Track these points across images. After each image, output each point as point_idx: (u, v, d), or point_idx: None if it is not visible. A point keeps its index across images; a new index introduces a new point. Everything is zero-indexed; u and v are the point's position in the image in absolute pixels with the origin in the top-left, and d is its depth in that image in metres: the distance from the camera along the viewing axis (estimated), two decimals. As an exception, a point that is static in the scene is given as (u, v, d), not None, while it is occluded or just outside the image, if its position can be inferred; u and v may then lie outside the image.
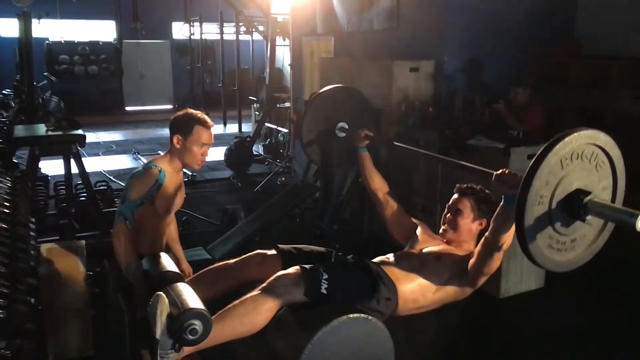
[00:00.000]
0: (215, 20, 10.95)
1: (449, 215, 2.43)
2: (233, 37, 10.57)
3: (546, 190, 1.66)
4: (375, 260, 2.34)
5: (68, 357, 2.60)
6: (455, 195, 2.44)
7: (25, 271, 2.28)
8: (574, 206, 1.69)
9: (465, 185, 2.45)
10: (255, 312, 1.87)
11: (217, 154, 7.24)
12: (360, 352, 1.94)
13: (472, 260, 2.16)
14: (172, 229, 2.78)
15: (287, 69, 7.76)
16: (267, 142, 8.11)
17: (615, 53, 4.37)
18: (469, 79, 4.62)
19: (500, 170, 1.97)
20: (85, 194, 4.64)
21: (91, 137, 9.13)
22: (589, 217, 1.70)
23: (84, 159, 4.40)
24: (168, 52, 13.94)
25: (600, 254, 1.83)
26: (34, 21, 6.61)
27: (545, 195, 1.66)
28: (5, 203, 2.79)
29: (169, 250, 2.73)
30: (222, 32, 10.87)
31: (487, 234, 2.05)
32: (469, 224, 2.38)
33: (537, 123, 3.88)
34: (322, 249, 2.35)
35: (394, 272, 2.21)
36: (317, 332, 1.83)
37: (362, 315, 1.95)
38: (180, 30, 13.23)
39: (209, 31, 12.06)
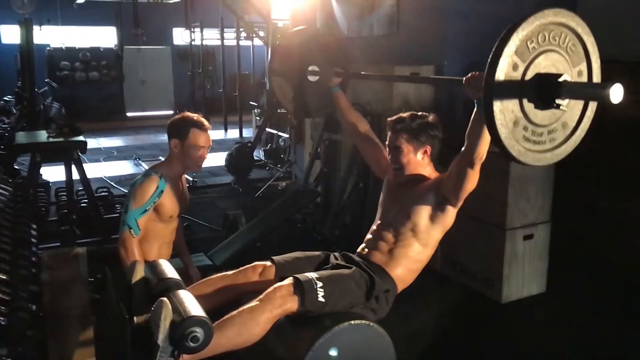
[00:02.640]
0: (216, 26, 10.98)
1: (390, 155, 2.34)
2: (234, 42, 10.60)
3: (515, 74, 1.55)
4: (359, 250, 2.32)
5: (69, 364, 2.60)
6: (389, 133, 2.33)
7: (27, 278, 2.28)
8: (548, 90, 1.57)
9: (394, 118, 2.32)
10: (253, 323, 1.86)
11: (218, 159, 7.25)
12: (361, 358, 1.94)
13: (451, 182, 2.08)
14: (178, 235, 2.78)
15: (288, 74, 7.76)
16: (268, 147, 8.10)
17: (615, 56, 4.37)
18: (469, 83, 4.62)
19: (470, 74, 1.88)
20: (86, 200, 4.65)
21: (92, 143, 9.15)
22: (563, 102, 1.59)
23: (85, 165, 4.41)
24: (169, 58, 13.99)
25: (602, 259, 1.81)
26: (36, 28, 6.65)
27: (514, 79, 1.55)
28: (6, 209, 2.80)
29: (175, 256, 2.73)
30: (222, 38, 10.90)
31: (463, 148, 1.97)
32: (413, 157, 2.28)
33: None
34: (318, 253, 2.33)
35: (380, 259, 2.20)
36: (318, 338, 1.83)
37: (364, 321, 1.94)
38: (181, 36, 13.27)
39: (210, 37, 12.09)
